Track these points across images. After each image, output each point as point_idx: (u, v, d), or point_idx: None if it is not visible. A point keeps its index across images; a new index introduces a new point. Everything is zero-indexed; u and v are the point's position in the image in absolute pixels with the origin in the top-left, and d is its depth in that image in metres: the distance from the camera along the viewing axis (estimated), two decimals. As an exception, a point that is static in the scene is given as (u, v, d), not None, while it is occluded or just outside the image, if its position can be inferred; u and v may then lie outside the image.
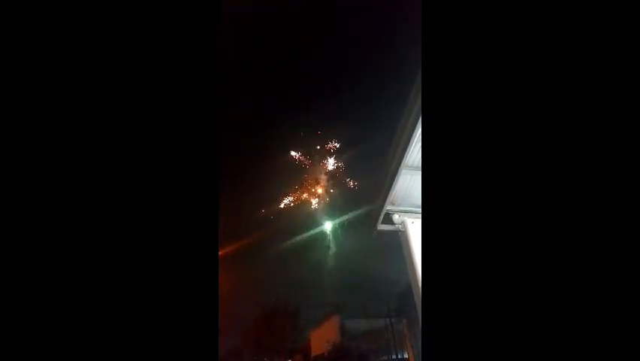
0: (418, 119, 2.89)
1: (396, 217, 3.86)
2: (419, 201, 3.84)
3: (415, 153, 3.32)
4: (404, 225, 3.81)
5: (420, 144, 3.21)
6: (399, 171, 3.41)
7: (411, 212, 3.87)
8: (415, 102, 2.85)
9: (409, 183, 3.72)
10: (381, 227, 4.01)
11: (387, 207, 3.84)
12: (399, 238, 3.93)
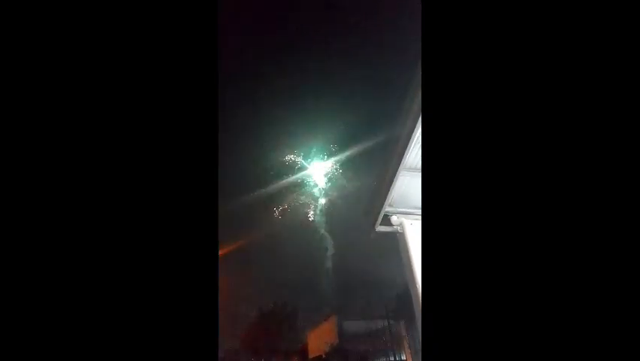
0: (417, 120, 2.90)
1: (394, 219, 3.86)
2: (417, 203, 3.84)
3: (413, 154, 3.32)
4: (402, 226, 3.81)
5: (418, 146, 3.22)
6: (397, 173, 3.41)
7: (409, 213, 3.87)
8: (415, 101, 2.86)
9: (407, 185, 3.73)
10: (380, 228, 4.01)
11: (386, 208, 3.84)
12: (397, 240, 3.93)
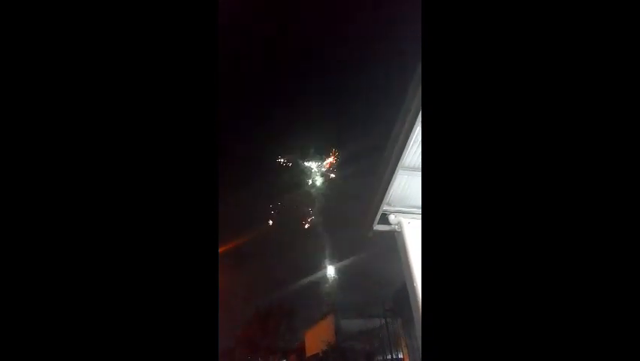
0: (416, 119, 2.90)
1: (392, 218, 3.88)
2: (415, 202, 3.86)
3: (412, 154, 3.34)
4: (400, 225, 3.83)
5: (417, 145, 3.23)
6: (395, 172, 3.43)
7: (407, 213, 3.89)
8: (413, 101, 2.87)
9: (405, 184, 3.75)
10: (378, 227, 4.02)
11: (384, 207, 3.86)
12: (395, 238, 3.95)
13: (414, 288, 3.41)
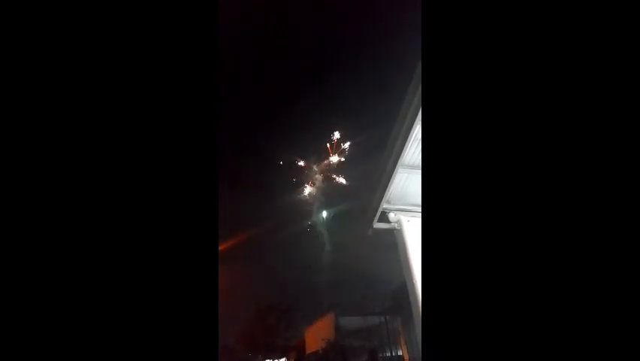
0: (415, 117, 2.91)
1: (392, 216, 3.88)
2: (415, 200, 3.87)
3: (411, 152, 3.34)
4: (400, 223, 3.84)
5: (416, 143, 3.23)
6: (395, 170, 3.43)
7: (407, 211, 3.89)
8: (413, 99, 2.87)
9: (404, 182, 3.75)
10: (377, 225, 4.03)
11: (383, 205, 3.86)
12: (394, 236, 3.96)
13: (413, 286, 3.42)
